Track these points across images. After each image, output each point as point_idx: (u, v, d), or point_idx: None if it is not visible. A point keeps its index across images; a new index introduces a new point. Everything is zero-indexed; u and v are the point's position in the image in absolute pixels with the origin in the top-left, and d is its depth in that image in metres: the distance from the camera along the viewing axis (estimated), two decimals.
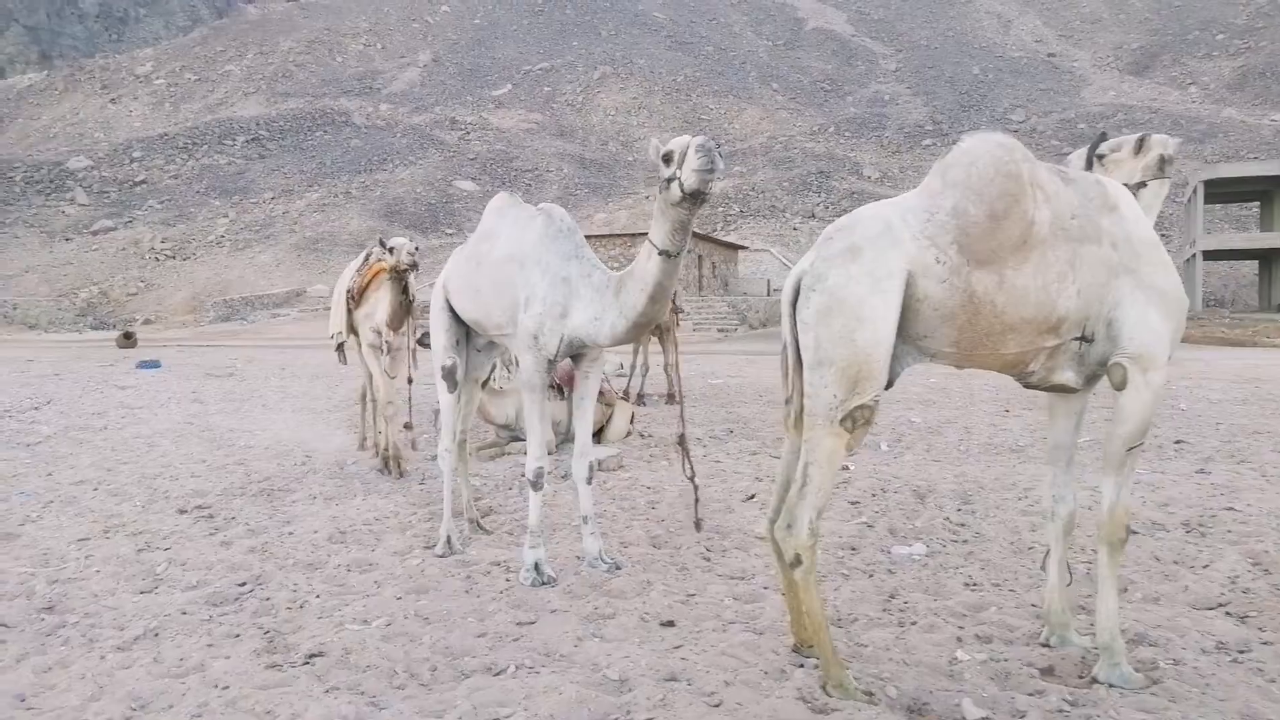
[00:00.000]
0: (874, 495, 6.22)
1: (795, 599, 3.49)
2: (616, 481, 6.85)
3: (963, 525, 5.37)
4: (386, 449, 6.99)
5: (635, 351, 12.60)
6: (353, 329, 7.48)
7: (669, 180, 3.62)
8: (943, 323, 3.13)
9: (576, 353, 4.42)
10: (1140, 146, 3.52)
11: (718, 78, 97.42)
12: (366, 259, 7.32)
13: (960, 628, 3.70)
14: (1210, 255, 40.15)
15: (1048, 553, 3.56)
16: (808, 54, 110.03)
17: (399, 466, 6.92)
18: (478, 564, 4.77)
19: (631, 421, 9.00)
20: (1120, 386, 3.17)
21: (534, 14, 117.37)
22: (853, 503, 6.01)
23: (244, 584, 4.53)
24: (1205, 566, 4.44)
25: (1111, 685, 3.11)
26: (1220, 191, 40.69)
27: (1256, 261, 45.19)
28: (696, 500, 4.47)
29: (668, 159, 3.62)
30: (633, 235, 38.15)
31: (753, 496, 6.21)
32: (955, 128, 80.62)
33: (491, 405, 8.04)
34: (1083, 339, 3.20)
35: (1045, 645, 3.49)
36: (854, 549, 4.94)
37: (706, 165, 3.49)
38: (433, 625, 3.88)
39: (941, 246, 3.10)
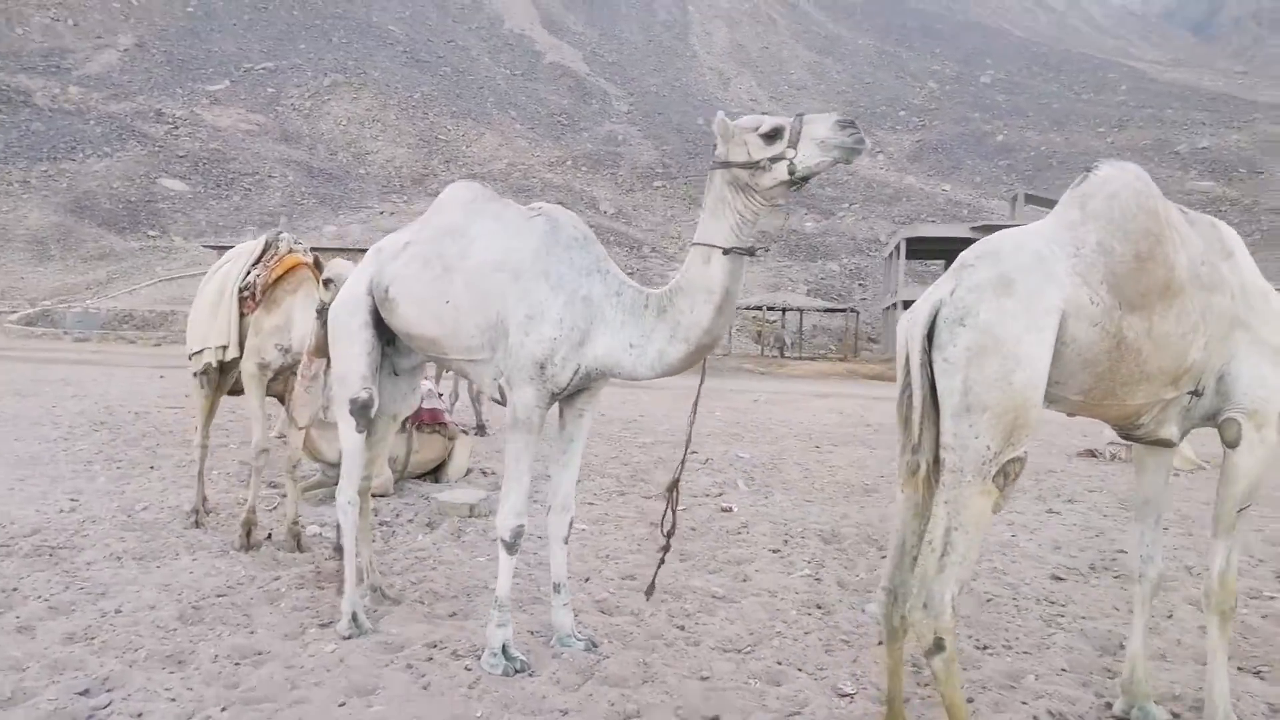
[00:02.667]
0: (785, 541, 5.87)
1: (897, 687, 3.00)
2: (492, 528, 5.98)
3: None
4: (250, 512, 5.28)
5: (438, 377, 11.56)
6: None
7: (773, 160, 3.04)
8: (1083, 368, 2.80)
9: (583, 386, 3.65)
10: None
11: (455, 99, 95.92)
12: (268, 247, 5.47)
13: (1024, 703, 3.37)
14: (909, 304, 44.83)
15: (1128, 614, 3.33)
16: (545, 86, 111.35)
17: (248, 536, 5.24)
18: (408, 646, 3.81)
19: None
20: (1234, 444, 3.00)
21: (256, 10, 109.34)
22: (774, 551, 5.63)
23: (86, 692, 3.28)
24: (1168, 617, 4.48)
25: None
26: (916, 249, 45.73)
27: None
28: (661, 562, 3.78)
29: (774, 135, 3.05)
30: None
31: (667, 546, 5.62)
32: (684, 172, 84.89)
33: (322, 440, 6.81)
34: (1195, 393, 3.00)
35: (1124, 718, 3.24)
36: (820, 607, 4.53)
37: (859, 144, 3.00)
38: None
39: (1093, 286, 2.78)
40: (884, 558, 5.49)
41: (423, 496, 6.92)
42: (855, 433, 12.45)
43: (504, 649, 3.58)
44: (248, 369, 5.25)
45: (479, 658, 3.64)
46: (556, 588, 3.88)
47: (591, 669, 3.59)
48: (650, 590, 3.74)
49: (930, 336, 2.80)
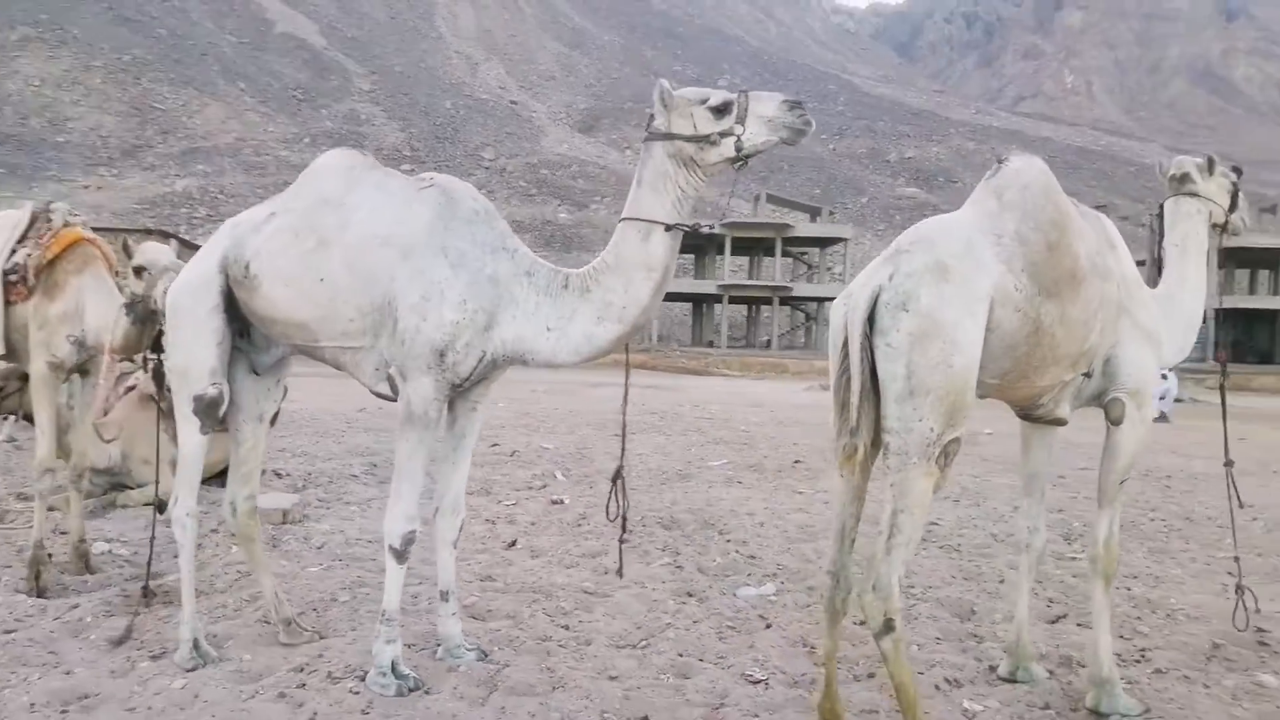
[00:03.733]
0: (630, 531, 5.79)
1: (833, 669, 3.00)
2: (314, 534, 5.47)
3: (754, 557, 5.24)
4: (38, 547, 4.26)
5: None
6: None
7: (722, 135, 2.90)
8: (1004, 353, 2.92)
9: (483, 376, 3.32)
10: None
11: (174, 65, 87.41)
12: (35, 221, 4.45)
13: (921, 673, 3.49)
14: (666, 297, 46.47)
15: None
16: (277, 58, 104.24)
17: (39, 579, 4.20)
18: (270, 673, 3.34)
19: None
20: (1118, 421, 3.26)
21: None
22: (622, 542, 5.52)
23: None
24: (1000, 582, 4.85)
25: (1118, 715, 3.15)
26: None
27: (690, 304, 53.58)
28: (622, 543, 3.58)
29: (723, 109, 2.89)
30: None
31: (514, 543, 5.38)
32: (432, 156, 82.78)
33: (89, 444, 5.87)
34: (1087, 374, 3.22)
35: (1010, 680, 3.45)
36: (693, 595, 4.50)
37: (805, 124, 2.89)
38: None
39: (1015, 273, 2.91)
40: (729, 541, 5.59)
41: (215, 504, 6.17)
42: (645, 420, 12.65)
43: (394, 666, 3.22)
44: (37, 369, 4.31)
45: (362, 678, 3.26)
46: (444, 595, 3.56)
47: (493, 679, 3.32)
48: (620, 571, 3.76)
49: (870, 321, 2.81)
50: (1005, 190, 3.05)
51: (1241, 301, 45.63)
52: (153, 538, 3.98)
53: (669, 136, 2.95)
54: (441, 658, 3.51)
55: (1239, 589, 3.57)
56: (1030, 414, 3.29)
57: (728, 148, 2.90)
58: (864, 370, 2.81)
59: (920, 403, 2.73)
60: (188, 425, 3.47)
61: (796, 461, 9.13)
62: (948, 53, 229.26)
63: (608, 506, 3.37)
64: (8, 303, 4.38)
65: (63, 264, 4.41)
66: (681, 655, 3.66)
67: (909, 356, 2.73)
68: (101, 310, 4.28)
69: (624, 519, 3.36)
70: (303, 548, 5.20)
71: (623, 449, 3.44)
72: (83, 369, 4.57)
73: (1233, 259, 46.35)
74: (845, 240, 50.60)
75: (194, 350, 3.42)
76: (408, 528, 3.25)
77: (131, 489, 6.15)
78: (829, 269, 58.29)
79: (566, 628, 3.96)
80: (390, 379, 3.22)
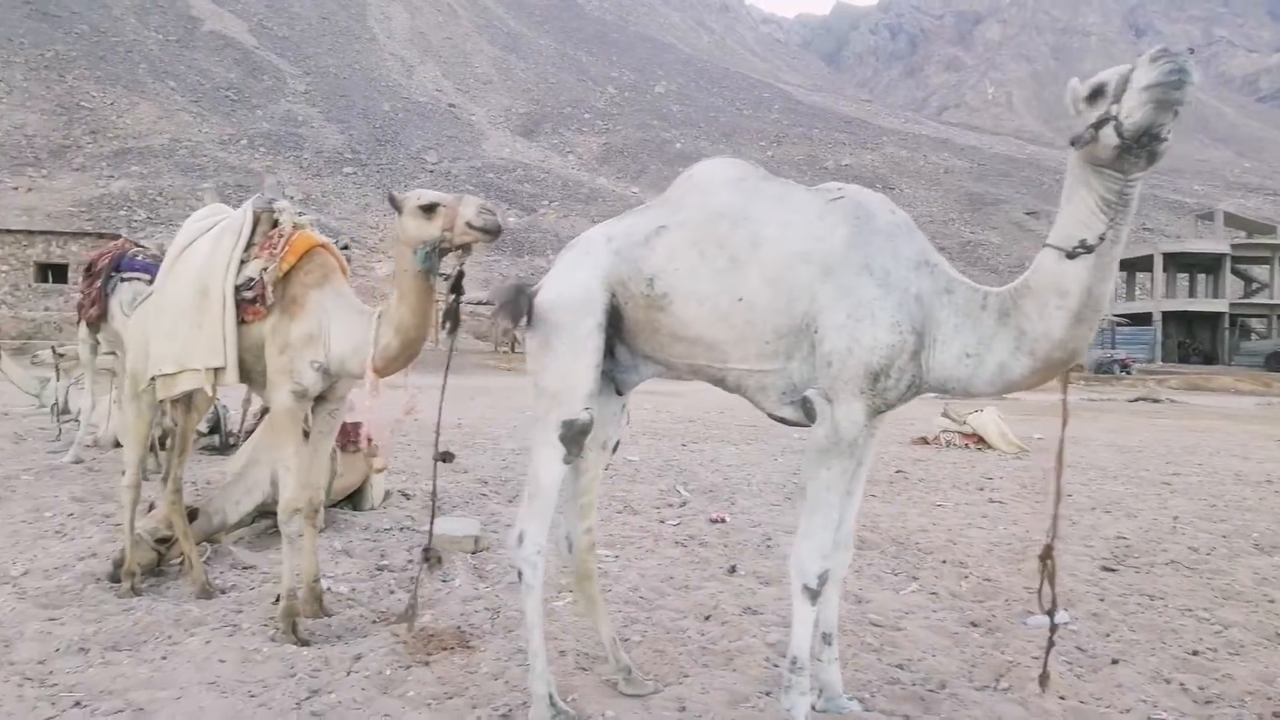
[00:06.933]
0: (859, 552, 5.49)
1: None
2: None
3: (989, 580, 4.98)
4: (291, 597, 3.82)
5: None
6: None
7: (1098, 126, 2.45)
8: None
9: (903, 402, 2.99)
10: None
11: (100, 63, 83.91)
12: (259, 224, 4.02)
13: None
14: None
15: None
16: (206, 57, 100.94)
17: (295, 630, 3.74)
18: None
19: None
20: None
21: None
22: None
23: None
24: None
25: None
26: None
27: None
28: (1050, 646, 2.93)
29: (1097, 94, 2.48)
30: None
31: (734, 569, 5.03)
32: (374, 159, 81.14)
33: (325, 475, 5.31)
34: None
35: None
36: (977, 625, 4.23)
37: (1169, 75, 2.32)
38: None
39: None
40: (943, 562, 5.34)
41: (392, 529, 5.71)
42: (700, 430, 12.34)
43: None
44: (281, 401, 3.81)
45: None
46: (826, 638, 3.23)
47: None
48: (1045, 679, 3.02)
49: None
50: None
51: (1183, 305, 47.24)
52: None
53: (1071, 142, 2.56)
54: (823, 709, 3.17)
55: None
56: None
57: (1110, 135, 2.44)
58: None
59: None
60: (549, 452, 3.08)
61: (898, 471, 8.94)
62: (874, 63, 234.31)
63: (1040, 595, 2.87)
64: (241, 322, 3.89)
65: (300, 276, 3.92)
66: (1063, 698, 3.38)
67: None
68: (349, 333, 3.81)
69: (1052, 613, 2.88)
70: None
71: (1054, 522, 2.93)
72: (320, 395, 4.08)
73: (1173, 264, 48.12)
74: None
75: (571, 372, 3.03)
76: (824, 566, 2.91)
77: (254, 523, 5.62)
78: None
79: (900, 666, 3.65)
80: (806, 403, 2.88)
